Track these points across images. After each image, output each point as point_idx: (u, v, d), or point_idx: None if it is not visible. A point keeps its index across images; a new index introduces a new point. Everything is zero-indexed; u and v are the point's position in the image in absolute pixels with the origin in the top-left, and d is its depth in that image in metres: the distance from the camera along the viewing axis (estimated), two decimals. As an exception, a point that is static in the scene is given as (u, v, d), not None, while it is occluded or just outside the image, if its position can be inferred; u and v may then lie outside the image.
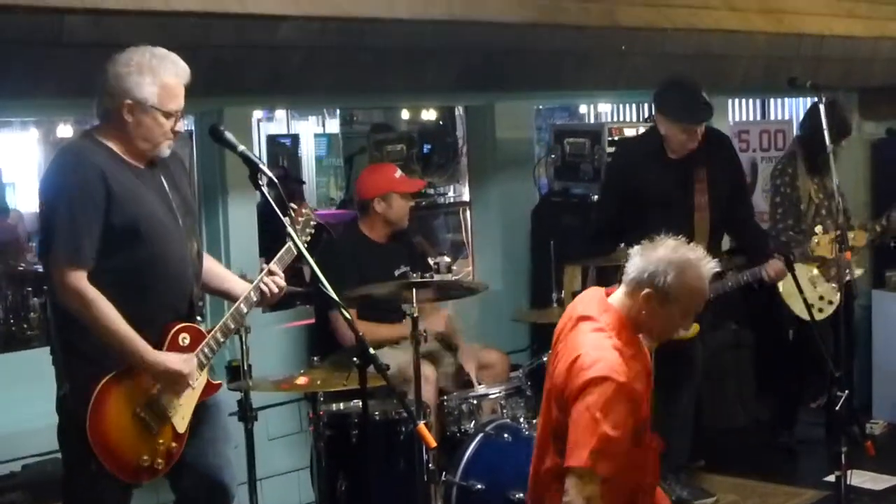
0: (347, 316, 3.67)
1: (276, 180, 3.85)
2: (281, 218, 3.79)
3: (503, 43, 5.80)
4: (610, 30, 6.17)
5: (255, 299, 4.19)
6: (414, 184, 6.17)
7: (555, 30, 5.93)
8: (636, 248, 3.86)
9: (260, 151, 10.90)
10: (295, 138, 12.86)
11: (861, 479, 6.21)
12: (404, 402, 3.88)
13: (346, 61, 5.31)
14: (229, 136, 3.93)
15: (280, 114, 12.53)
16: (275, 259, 4.25)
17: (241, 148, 3.89)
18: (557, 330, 4.01)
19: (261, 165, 3.81)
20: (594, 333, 3.78)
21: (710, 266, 3.82)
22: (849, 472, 5.15)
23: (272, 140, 12.52)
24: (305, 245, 4.05)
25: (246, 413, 4.81)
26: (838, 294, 6.45)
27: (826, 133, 6.00)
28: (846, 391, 5.59)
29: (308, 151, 12.87)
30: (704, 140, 5.97)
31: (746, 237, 6.34)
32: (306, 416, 5.59)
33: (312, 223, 4.46)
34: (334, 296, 3.63)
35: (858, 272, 6.79)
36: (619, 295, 3.87)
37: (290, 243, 4.08)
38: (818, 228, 6.30)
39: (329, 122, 12.35)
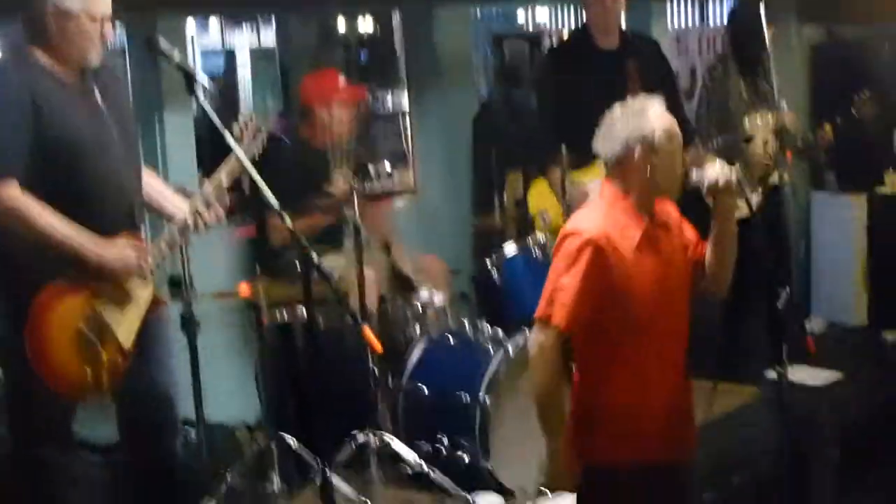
0: (289, 223, 3.64)
1: (209, 89, 3.81)
2: (222, 131, 3.75)
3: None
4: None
5: (190, 227, 4.17)
6: (356, 92, 6.09)
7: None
8: (598, 135, 3.77)
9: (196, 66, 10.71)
10: (230, 54, 12.64)
11: (801, 374, 6.32)
12: (348, 307, 3.88)
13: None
14: (165, 45, 3.87)
15: (214, 29, 12.29)
16: (217, 172, 4.21)
17: (178, 58, 3.83)
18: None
19: (198, 76, 3.76)
20: (585, 205, 3.87)
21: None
22: (789, 368, 5.22)
23: (206, 55, 12.30)
24: (258, 156, 4.02)
25: (189, 324, 4.77)
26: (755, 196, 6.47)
27: (766, 32, 6.05)
28: (786, 287, 5.67)
29: (243, 66, 12.66)
30: (633, 40, 6.15)
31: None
32: (250, 327, 5.57)
33: (263, 132, 4.39)
34: (274, 201, 3.60)
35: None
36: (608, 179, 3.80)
37: (234, 155, 4.03)
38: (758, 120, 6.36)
39: (265, 35, 12.13)
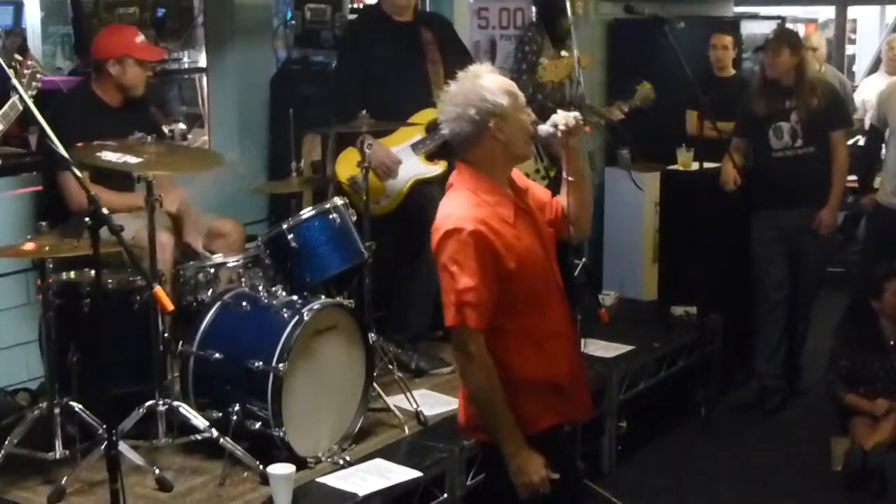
0: (78, 174, 3.49)
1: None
2: (4, 69, 3.55)
3: None
4: None
5: None
6: (154, 52, 5.83)
7: None
8: (440, 118, 3.69)
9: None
10: (18, 6, 12.15)
11: (594, 347, 6.43)
12: (138, 264, 3.75)
13: None
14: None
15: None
16: None
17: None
18: None
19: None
20: (449, 196, 3.71)
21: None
22: (583, 340, 5.30)
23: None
24: (31, 99, 3.81)
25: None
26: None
27: (568, 4, 6.12)
28: (582, 259, 5.76)
29: (32, 18, 12.17)
30: (427, 16, 6.42)
31: None
32: (34, 287, 5.35)
33: (39, 76, 4.19)
34: (64, 153, 3.43)
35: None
36: (459, 162, 3.75)
37: (14, 98, 3.84)
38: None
39: (56, -12, 11.69)
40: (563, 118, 3.69)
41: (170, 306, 3.55)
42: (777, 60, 6.88)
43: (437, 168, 6.01)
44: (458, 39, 6.55)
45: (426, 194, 5.84)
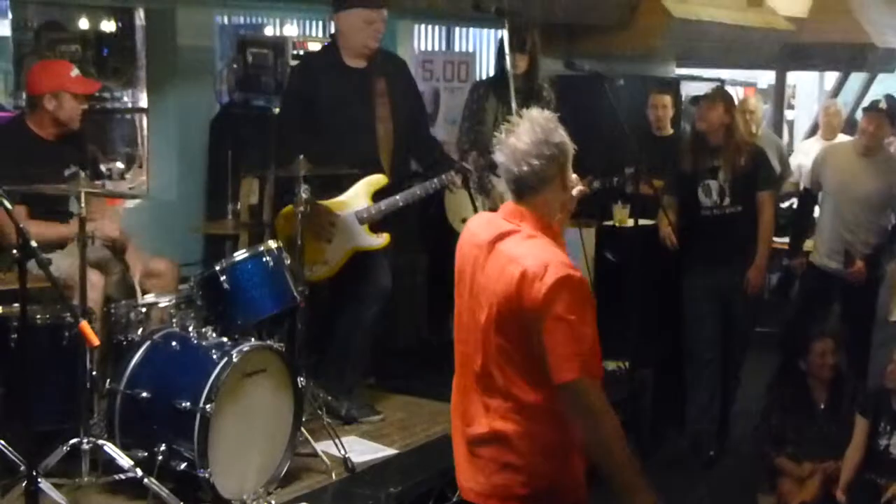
0: (7, 205, 3.47)
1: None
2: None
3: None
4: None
5: None
6: (88, 85, 5.82)
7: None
8: (498, 153, 3.50)
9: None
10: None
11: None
12: (64, 298, 3.72)
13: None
14: None
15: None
16: None
17: None
18: (463, 265, 3.63)
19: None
20: (527, 241, 3.45)
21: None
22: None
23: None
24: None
25: None
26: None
27: (507, 58, 6.19)
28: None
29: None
30: (381, 59, 6.08)
31: (428, 153, 6.35)
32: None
33: None
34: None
35: None
36: (518, 205, 3.53)
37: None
38: None
39: (-2, 24, 11.64)
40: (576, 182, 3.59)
41: (95, 341, 3.54)
42: (710, 114, 6.98)
43: (380, 240, 5.96)
44: (412, 86, 6.40)
45: (367, 264, 5.83)
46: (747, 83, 12.35)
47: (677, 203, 7.25)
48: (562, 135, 3.49)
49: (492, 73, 8.00)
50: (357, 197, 5.94)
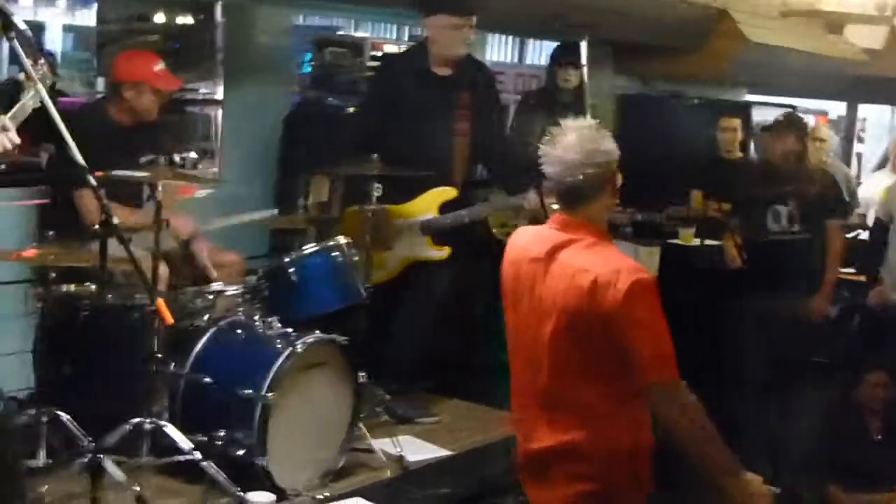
0: (94, 183, 3.53)
1: (28, 33, 3.67)
2: (25, 63, 3.60)
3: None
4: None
5: None
6: (170, 82, 5.85)
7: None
8: (546, 165, 3.55)
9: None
10: (39, 27, 12.21)
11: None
12: (143, 275, 3.77)
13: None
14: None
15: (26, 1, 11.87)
16: (10, 113, 4.02)
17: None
18: (517, 281, 3.65)
19: (12, 18, 3.63)
20: (591, 249, 3.51)
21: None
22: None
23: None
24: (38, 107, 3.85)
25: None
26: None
27: (585, 72, 6.22)
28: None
29: (52, 42, 12.26)
30: (468, 69, 6.09)
31: (501, 168, 6.37)
32: (33, 299, 5.37)
33: (49, 81, 4.21)
34: (81, 159, 3.49)
35: None
36: (571, 216, 3.58)
37: (24, 99, 3.86)
38: None
39: (79, 12, 11.79)
40: None
41: (170, 319, 3.60)
42: (780, 145, 6.97)
43: (440, 253, 6.01)
44: (496, 101, 6.42)
45: (425, 274, 5.87)
46: (819, 111, 12.29)
47: (744, 226, 7.23)
48: (609, 141, 3.54)
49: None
50: (424, 206, 5.97)
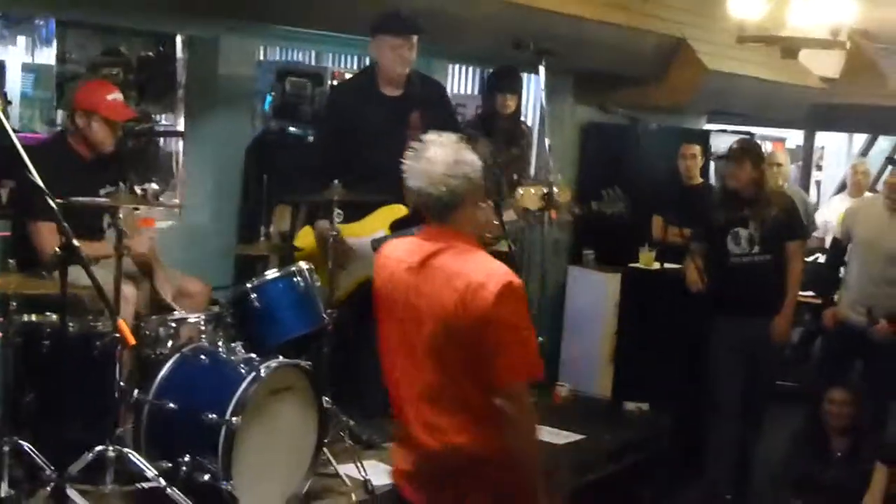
0: (54, 206, 3.54)
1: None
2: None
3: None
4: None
5: None
6: (121, 112, 5.79)
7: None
8: (410, 179, 3.67)
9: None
10: (-1, 66, 12.19)
11: (543, 433, 6.45)
12: (105, 296, 3.77)
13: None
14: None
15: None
16: None
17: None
18: (391, 290, 3.75)
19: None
20: (464, 255, 3.62)
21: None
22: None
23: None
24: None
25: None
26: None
27: (543, 97, 6.27)
28: (539, 338, 5.80)
29: (13, 84, 12.23)
30: (418, 87, 6.15)
31: None
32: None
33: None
34: (39, 181, 3.51)
35: None
36: (441, 226, 3.69)
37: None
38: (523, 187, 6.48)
39: (39, 52, 11.78)
40: None
41: (132, 340, 3.61)
42: (738, 172, 7.02)
43: None
44: (451, 116, 6.47)
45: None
46: (776, 138, 12.41)
47: (705, 250, 7.29)
48: (471, 153, 3.66)
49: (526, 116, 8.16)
50: (377, 224, 6.01)
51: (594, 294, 8.43)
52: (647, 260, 7.92)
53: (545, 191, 6.12)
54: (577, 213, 6.89)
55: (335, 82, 6.98)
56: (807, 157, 13.88)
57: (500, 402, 3.50)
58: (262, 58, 8.35)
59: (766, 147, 9.72)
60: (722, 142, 9.22)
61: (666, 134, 9.02)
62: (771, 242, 7.03)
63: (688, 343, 7.32)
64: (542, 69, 6.11)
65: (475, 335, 3.49)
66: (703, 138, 8.96)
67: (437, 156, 3.63)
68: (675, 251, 7.39)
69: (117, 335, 4.53)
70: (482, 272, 3.54)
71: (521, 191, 6.29)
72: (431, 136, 3.71)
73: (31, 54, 12.00)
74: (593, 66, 8.75)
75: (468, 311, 3.48)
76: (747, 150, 7.18)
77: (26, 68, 12.10)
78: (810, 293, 8.33)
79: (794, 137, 14.11)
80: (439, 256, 3.64)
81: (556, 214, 6.19)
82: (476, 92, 10.72)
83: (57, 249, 3.61)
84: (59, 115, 7.68)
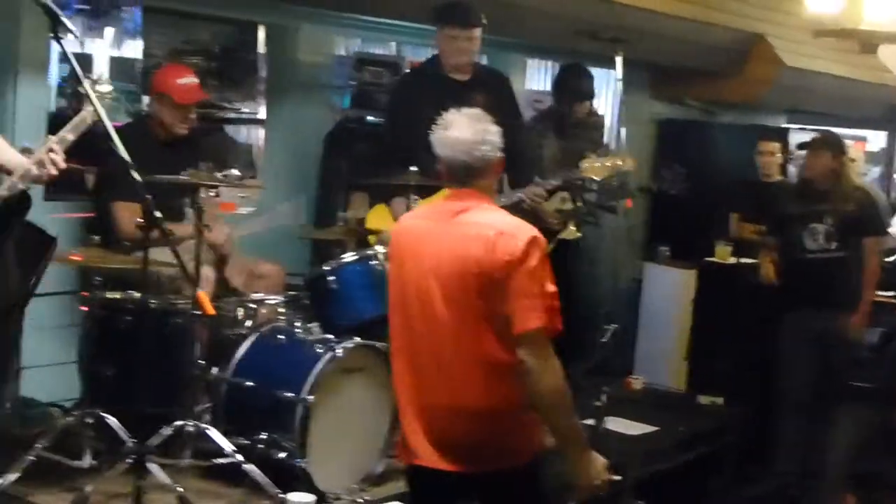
0: (138, 178, 3.61)
1: (77, 35, 3.77)
2: (80, 77, 3.71)
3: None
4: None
5: (33, 174, 4.07)
6: (191, 94, 5.86)
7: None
8: (439, 147, 3.82)
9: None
10: (86, 58, 12.37)
11: (617, 424, 6.47)
12: (184, 267, 3.83)
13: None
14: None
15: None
16: (64, 129, 4.14)
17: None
18: (404, 249, 3.86)
19: (62, 17, 3.74)
20: (493, 211, 3.81)
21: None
22: (606, 417, 5.38)
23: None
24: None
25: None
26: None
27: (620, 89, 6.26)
28: (613, 325, 5.84)
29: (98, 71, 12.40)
30: (483, 75, 6.32)
31: (519, 173, 6.41)
32: (77, 310, 5.45)
33: (110, 98, 4.33)
34: (125, 154, 3.58)
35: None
36: (464, 190, 3.82)
37: (84, 112, 3.98)
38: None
39: (125, 45, 11.94)
40: None
41: (211, 310, 3.67)
42: (816, 162, 7.00)
43: None
44: (513, 105, 6.55)
45: None
46: (857, 137, 12.26)
47: (781, 245, 7.25)
48: (494, 126, 3.84)
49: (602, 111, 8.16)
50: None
51: (670, 290, 8.41)
52: (722, 254, 7.89)
53: (611, 162, 6.15)
54: (647, 187, 6.86)
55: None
56: (889, 159, 13.70)
57: (522, 351, 3.58)
58: (342, 52, 8.41)
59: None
60: (801, 138, 9.18)
61: (742, 130, 8.99)
62: (848, 238, 6.99)
63: (762, 337, 7.27)
64: (618, 61, 6.11)
65: (500, 281, 3.59)
66: (781, 135, 8.89)
67: (465, 125, 3.80)
68: (750, 246, 7.36)
69: (196, 312, 4.64)
70: (512, 225, 3.70)
71: (585, 163, 6.31)
72: (454, 111, 3.87)
73: (117, 47, 12.15)
74: (669, 60, 8.74)
75: (496, 256, 3.59)
76: (826, 141, 7.15)
77: (114, 61, 12.24)
78: (891, 293, 8.24)
79: (878, 140, 13.91)
80: (469, 212, 3.77)
81: (631, 202, 6.20)
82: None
83: (139, 220, 3.65)
84: (145, 101, 7.77)
